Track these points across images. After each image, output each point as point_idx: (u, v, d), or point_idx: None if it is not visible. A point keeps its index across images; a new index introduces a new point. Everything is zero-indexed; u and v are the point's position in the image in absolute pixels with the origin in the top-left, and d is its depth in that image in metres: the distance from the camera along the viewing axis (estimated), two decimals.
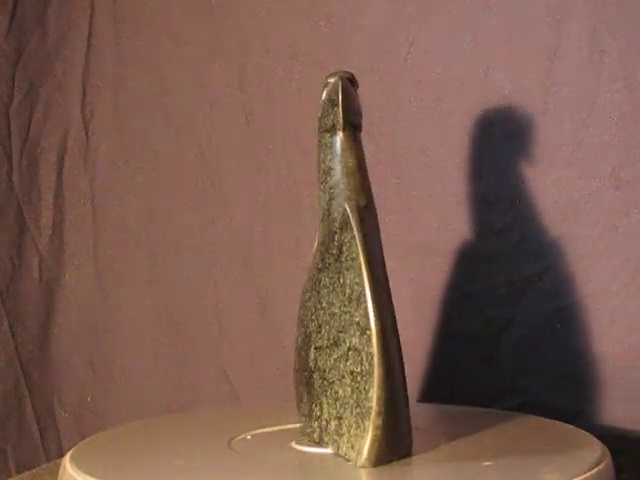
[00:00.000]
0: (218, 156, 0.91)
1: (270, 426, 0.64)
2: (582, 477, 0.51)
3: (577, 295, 0.74)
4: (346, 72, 0.58)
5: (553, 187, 0.74)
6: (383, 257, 0.57)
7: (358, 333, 0.54)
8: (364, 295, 0.54)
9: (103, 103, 0.97)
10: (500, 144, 0.76)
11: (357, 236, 0.55)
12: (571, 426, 0.63)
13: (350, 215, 0.55)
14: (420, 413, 0.69)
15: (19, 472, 0.90)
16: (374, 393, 0.53)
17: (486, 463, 0.53)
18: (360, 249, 0.55)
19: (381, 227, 0.80)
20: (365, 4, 0.82)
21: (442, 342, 0.79)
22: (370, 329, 0.53)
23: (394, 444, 0.54)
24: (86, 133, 0.98)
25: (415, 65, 0.80)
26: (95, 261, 0.97)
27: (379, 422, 0.53)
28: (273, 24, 0.87)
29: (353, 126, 0.57)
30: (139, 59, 0.95)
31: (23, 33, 0.96)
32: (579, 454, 0.56)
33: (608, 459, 0.55)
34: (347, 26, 0.83)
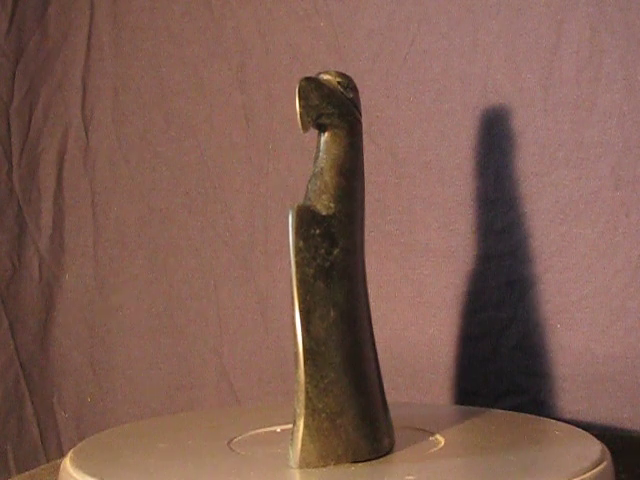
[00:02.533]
0: (218, 156, 0.91)
1: (270, 426, 0.64)
2: (582, 477, 0.51)
3: (577, 295, 0.74)
4: (327, 72, 0.57)
5: (553, 187, 0.74)
6: (351, 262, 0.56)
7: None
8: (292, 298, 0.54)
9: (103, 103, 0.97)
10: (500, 144, 0.76)
11: (290, 237, 0.54)
12: (571, 426, 0.63)
13: (289, 218, 0.55)
14: (419, 413, 0.69)
15: (19, 472, 0.90)
16: (298, 396, 0.54)
17: (408, 477, 0.53)
18: (291, 251, 0.54)
19: (381, 227, 0.80)
20: (365, 4, 0.82)
21: (442, 342, 0.79)
22: (295, 332, 0.54)
23: (330, 447, 0.54)
24: (86, 133, 0.98)
25: (415, 65, 0.80)
26: (95, 261, 0.97)
27: (300, 424, 0.53)
28: (273, 24, 0.87)
29: (324, 126, 0.56)
30: (139, 59, 0.95)
31: (23, 33, 0.96)
32: (579, 454, 0.56)
33: (608, 459, 0.55)
34: (347, 26, 0.83)
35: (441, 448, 0.58)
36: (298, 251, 0.54)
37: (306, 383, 0.54)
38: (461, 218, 0.78)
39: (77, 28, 0.97)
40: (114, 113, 0.96)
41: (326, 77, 0.57)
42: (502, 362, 0.77)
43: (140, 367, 0.95)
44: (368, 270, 0.59)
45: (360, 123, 0.58)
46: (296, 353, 0.54)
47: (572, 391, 0.74)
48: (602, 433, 0.62)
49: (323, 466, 0.53)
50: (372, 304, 0.59)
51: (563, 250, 0.74)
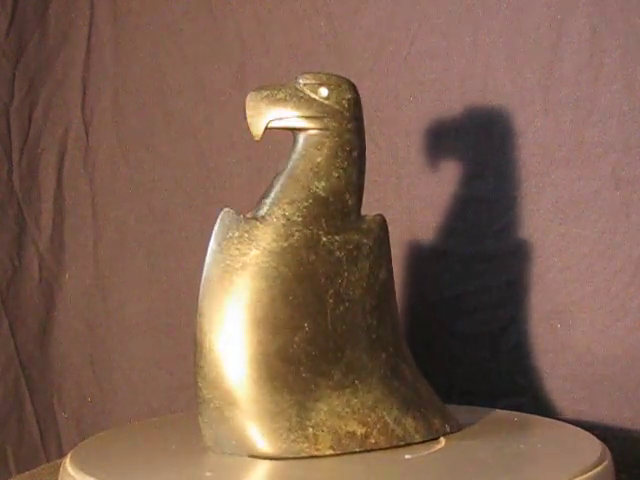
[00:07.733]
0: (218, 156, 0.91)
1: None
2: (582, 477, 0.51)
3: (577, 295, 0.74)
4: (301, 74, 0.58)
5: (553, 187, 0.74)
6: (278, 264, 0.56)
7: None
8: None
9: (103, 103, 0.97)
10: (500, 144, 0.76)
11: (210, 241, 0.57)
12: (571, 426, 0.63)
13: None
14: None
15: (19, 472, 0.90)
16: (194, 384, 0.57)
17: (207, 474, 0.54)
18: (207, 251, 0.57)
19: None
20: (365, 4, 0.82)
21: (442, 342, 0.79)
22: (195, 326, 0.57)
23: (223, 436, 0.55)
24: (86, 133, 0.98)
25: (415, 65, 0.80)
26: (95, 261, 0.97)
27: (198, 411, 0.56)
28: (273, 24, 0.87)
29: (292, 130, 0.58)
30: (139, 59, 0.95)
31: (23, 33, 0.96)
32: (579, 454, 0.56)
33: (608, 459, 0.55)
34: (347, 26, 0.83)
35: (441, 448, 0.58)
36: (211, 252, 0.58)
37: (195, 374, 0.56)
38: (461, 218, 0.78)
39: (77, 28, 0.97)
40: (114, 113, 0.96)
41: (293, 81, 0.58)
42: (502, 362, 0.77)
43: (140, 367, 0.95)
44: None
45: (346, 122, 0.58)
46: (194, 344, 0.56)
47: (572, 391, 0.74)
48: (602, 433, 0.62)
49: (220, 452, 0.55)
50: None
51: (563, 250, 0.74)
